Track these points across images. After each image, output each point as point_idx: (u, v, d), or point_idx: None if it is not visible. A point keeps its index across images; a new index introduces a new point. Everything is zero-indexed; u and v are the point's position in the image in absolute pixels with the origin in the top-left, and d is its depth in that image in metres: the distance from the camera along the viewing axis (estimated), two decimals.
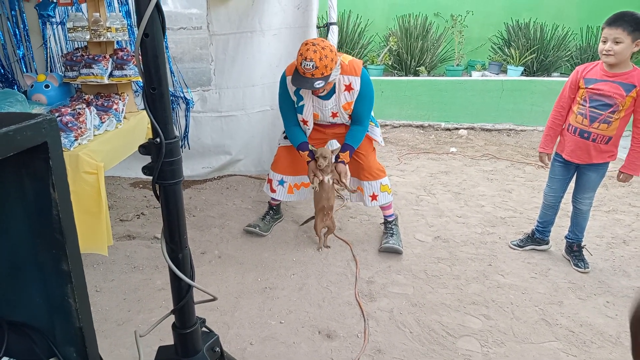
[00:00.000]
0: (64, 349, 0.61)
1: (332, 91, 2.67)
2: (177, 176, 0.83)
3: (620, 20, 2.30)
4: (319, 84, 2.43)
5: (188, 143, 3.95)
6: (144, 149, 0.81)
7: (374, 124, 2.94)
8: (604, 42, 2.38)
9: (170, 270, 0.88)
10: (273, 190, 3.12)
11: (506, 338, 2.14)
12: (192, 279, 0.89)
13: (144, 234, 3.11)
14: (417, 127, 5.95)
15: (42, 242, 0.57)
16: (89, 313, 0.62)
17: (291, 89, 2.73)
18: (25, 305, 0.61)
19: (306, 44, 2.45)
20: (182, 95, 3.78)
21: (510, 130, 5.81)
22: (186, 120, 3.87)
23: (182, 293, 0.90)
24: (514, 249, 2.93)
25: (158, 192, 0.83)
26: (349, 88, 2.64)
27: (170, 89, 3.69)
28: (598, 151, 2.52)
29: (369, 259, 2.82)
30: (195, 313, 0.95)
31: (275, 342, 2.10)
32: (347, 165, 2.81)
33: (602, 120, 2.46)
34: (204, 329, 1.01)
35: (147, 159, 3.10)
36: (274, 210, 3.25)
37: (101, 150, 2.03)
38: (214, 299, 1.01)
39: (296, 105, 2.78)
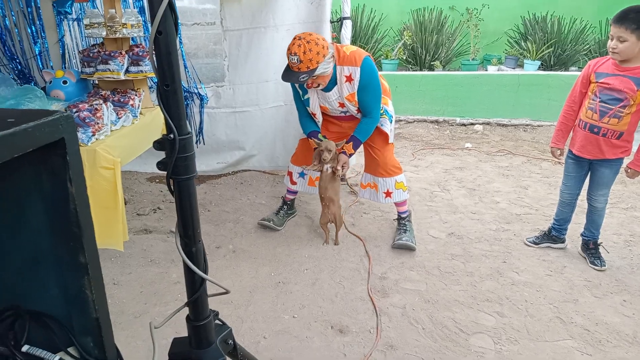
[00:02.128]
0: (81, 339, 0.63)
1: (334, 83, 2.66)
2: (191, 171, 0.84)
3: (624, 18, 2.26)
4: (303, 77, 2.46)
5: (203, 139, 3.98)
6: (158, 144, 0.82)
7: (387, 117, 2.92)
8: (611, 39, 2.34)
9: (184, 264, 0.90)
10: (294, 182, 3.15)
11: (520, 336, 2.12)
12: (206, 272, 0.90)
13: (160, 228, 3.15)
14: (431, 122, 5.91)
15: (60, 236, 0.59)
16: (105, 304, 0.63)
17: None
18: (43, 297, 0.63)
19: (294, 39, 2.48)
20: (196, 91, 3.81)
21: (527, 125, 5.73)
22: (200, 116, 3.90)
23: (195, 286, 0.91)
24: (530, 245, 2.90)
25: (172, 187, 0.85)
26: (349, 79, 2.63)
27: (184, 84, 3.72)
28: (610, 146, 2.48)
29: (382, 255, 2.82)
30: (208, 306, 0.97)
31: (289, 336, 2.12)
32: (350, 156, 2.80)
33: (613, 115, 2.42)
34: (217, 321, 1.03)
35: (163, 154, 3.12)
36: (288, 206, 3.26)
37: (118, 145, 2.06)
38: (227, 292, 1.02)
39: (302, 98, 2.81)
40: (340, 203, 2.90)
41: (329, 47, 2.51)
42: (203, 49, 3.86)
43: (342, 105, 2.77)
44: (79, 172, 0.58)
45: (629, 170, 2.52)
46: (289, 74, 2.52)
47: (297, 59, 2.42)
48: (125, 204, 3.49)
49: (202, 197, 3.65)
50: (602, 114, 2.45)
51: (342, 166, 2.76)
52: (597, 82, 2.46)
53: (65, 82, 2.44)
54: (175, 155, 0.80)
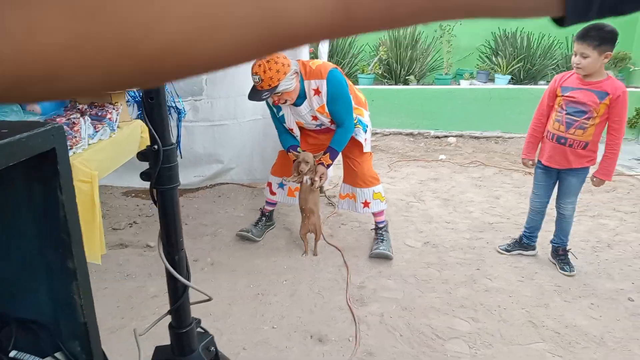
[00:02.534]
0: (69, 344, 0.65)
1: (304, 97, 2.74)
2: (174, 181, 0.87)
3: (586, 35, 2.40)
4: (265, 95, 2.56)
5: (180, 152, 3.98)
6: (142, 155, 0.85)
7: (360, 127, 2.98)
8: (575, 55, 2.48)
9: (167, 272, 0.92)
10: (273, 193, 3.18)
11: (494, 340, 2.19)
12: (188, 280, 0.93)
13: (136, 243, 3.13)
14: (407, 135, 6.04)
15: (49, 242, 0.61)
16: (92, 309, 0.65)
17: (269, 100, 2.82)
18: (32, 303, 0.65)
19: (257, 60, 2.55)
20: (173, 104, 3.82)
21: (498, 137, 5.91)
22: (178, 129, 3.90)
23: (178, 293, 0.94)
24: (502, 253, 2.99)
25: (156, 197, 0.88)
26: (317, 92, 2.72)
27: None
28: (576, 156, 2.60)
29: (360, 265, 2.86)
30: (190, 313, 0.99)
31: (268, 347, 2.13)
32: (327, 167, 2.85)
33: (578, 127, 2.55)
34: (199, 329, 1.05)
35: (139, 168, 3.11)
36: (267, 217, 3.29)
37: (95, 159, 2.06)
38: (209, 299, 1.05)
39: (277, 115, 2.88)
40: (319, 214, 2.95)
41: (290, 64, 2.59)
42: None
43: (315, 118, 2.83)
44: (68, 180, 0.61)
45: (594, 179, 2.64)
46: (253, 92, 2.62)
47: (258, 78, 2.52)
48: (102, 219, 3.44)
49: None
50: (568, 126, 2.57)
51: (320, 177, 2.81)
52: (563, 95, 2.59)
53: None
54: (160, 165, 0.83)
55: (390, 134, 6.09)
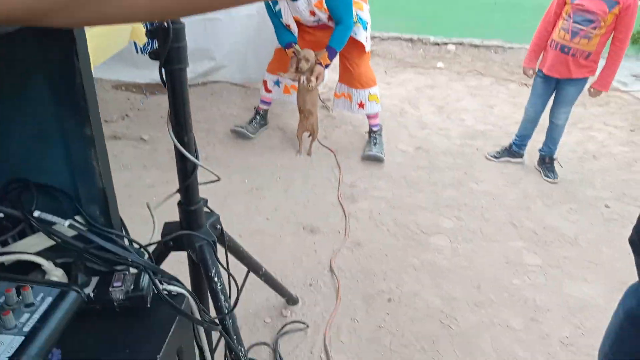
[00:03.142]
0: (88, 208, 0.69)
1: None
2: (183, 62, 0.87)
3: None
4: None
5: None
6: (150, 33, 0.84)
7: (360, 25, 2.87)
8: None
9: (177, 151, 0.95)
10: (268, 91, 3.15)
11: (474, 236, 2.34)
12: (197, 159, 0.96)
13: (129, 135, 3.13)
14: (405, 40, 5.83)
15: (67, 109, 0.62)
16: (109, 177, 0.68)
17: None
18: (50, 169, 0.67)
19: None
20: None
21: (499, 47, 5.74)
22: None
23: (187, 173, 0.98)
24: (491, 159, 3.07)
25: (164, 77, 0.88)
26: None
27: None
28: (577, 66, 2.58)
29: (352, 166, 2.93)
30: (199, 192, 1.04)
31: (263, 235, 2.26)
32: (325, 67, 2.77)
33: (583, 36, 2.50)
34: (205, 209, 1.11)
35: (129, 60, 3.03)
36: (261, 116, 3.28)
37: (89, 45, 1.98)
38: (218, 179, 1.09)
39: (274, 10, 2.74)
40: (317, 114, 2.95)
41: None
42: None
43: (313, 13, 2.71)
44: (84, 47, 0.61)
45: (591, 90, 2.65)
46: None
47: None
48: None
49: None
50: (574, 35, 2.52)
51: (317, 77, 2.76)
52: (572, 3, 2.50)
53: None
54: (169, 44, 0.82)
55: (388, 38, 5.88)
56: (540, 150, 2.97)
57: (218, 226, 1.12)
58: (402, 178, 2.82)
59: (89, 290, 0.70)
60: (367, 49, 2.92)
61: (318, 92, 2.96)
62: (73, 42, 0.59)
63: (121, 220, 0.75)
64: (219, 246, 1.17)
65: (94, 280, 0.72)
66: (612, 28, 2.45)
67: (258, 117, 3.27)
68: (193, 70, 4.03)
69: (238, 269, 1.57)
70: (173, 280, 0.75)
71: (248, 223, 2.35)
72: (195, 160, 0.95)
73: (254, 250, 2.16)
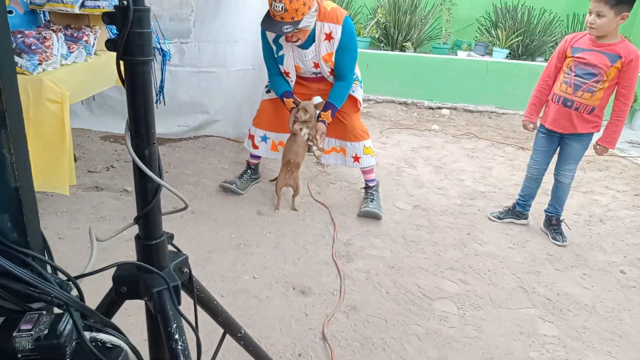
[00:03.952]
0: None
1: (312, 40, 2.53)
2: (147, 53, 0.71)
3: None
4: (287, 28, 2.30)
5: (164, 98, 3.76)
6: (107, 17, 0.68)
7: (358, 83, 2.82)
8: (590, 14, 2.34)
9: (136, 169, 0.77)
10: (255, 147, 2.99)
11: (483, 302, 2.10)
12: (161, 178, 0.77)
13: (112, 186, 2.95)
14: (400, 103, 5.87)
15: None
16: (28, 171, 0.50)
17: (270, 37, 2.61)
18: None
19: None
20: (158, 46, 3.58)
21: (492, 112, 5.79)
22: (162, 73, 3.66)
23: (148, 196, 0.78)
24: (493, 220, 2.90)
25: (123, 72, 0.71)
26: (329, 37, 2.50)
27: None
28: (582, 120, 2.49)
29: (348, 223, 2.74)
30: (162, 224, 0.84)
31: (248, 296, 2.01)
32: (327, 125, 2.69)
33: (586, 89, 2.43)
34: (171, 247, 0.90)
35: (119, 113, 2.90)
36: (252, 170, 3.13)
37: (68, 79, 1.86)
38: (186, 206, 0.90)
39: (276, 55, 2.65)
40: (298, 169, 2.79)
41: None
42: (168, 2, 3.61)
43: (316, 65, 2.65)
44: None
45: (597, 147, 2.54)
46: (270, 22, 2.35)
47: (281, 7, 2.25)
48: (76, 161, 3.25)
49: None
50: (576, 88, 2.45)
51: (320, 136, 2.65)
52: (573, 56, 2.46)
53: (10, 12, 2.19)
54: (128, 28, 0.67)
55: (383, 101, 5.92)
56: (546, 211, 2.81)
57: (185, 270, 0.91)
58: (400, 237, 2.62)
59: None
60: (361, 104, 2.85)
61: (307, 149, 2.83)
62: None
63: (43, 237, 0.55)
64: (186, 297, 0.96)
65: None
66: (615, 82, 2.39)
67: (250, 171, 3.12)
68: (185, 124, 3.94)
69: (209, 327, 1.32)
70: (109, 327, 0.53)
71: (233, 281, 2.11)
72: (158, 180, 0.76)
73: (237, 312, 1.91)
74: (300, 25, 2.33)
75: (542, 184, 2.82)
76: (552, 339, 1.92)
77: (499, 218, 2.90)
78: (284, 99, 2.69)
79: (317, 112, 2.66)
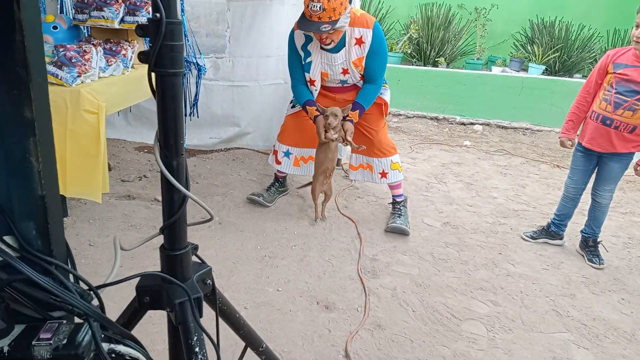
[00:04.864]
0: (21, 224, 0.50)
1: (342, 44, 2.52)
2: (178, 65, 0.72)
3: None
4: (325, 27, 2.29)
5: (197, 111, 3.84)
6: (141, 30, 0.70)
7: (387, 85, 2.80)
8: (637, 27, 2.25)
9: (163, 180, 0.78)
10: (278, 162, 3.01)
11: (514, 325, 2.02)
12: (187, 189, 0.78)
13: (144, 195, 3.01)
14: (431, 119, 5.82)
15: (0, 79, 0.46)
16: (55, 180, 0.51)
17: (299, 43, 2.61)
18: None
19: None
20: (194, 60, 3.67)
21: (527, 129, 5.65)
22: (197, 87, 3.76)
23: (174, 207, 0.79)
24: (527, 240, 2.80)
25: (154, 83, 0.73)
26: (359, 42, 2.50)
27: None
28: (622, 140, 2.38)
29: (374, 238, 2.71)
30: (187, 234, 0.85)
31: (271, 309, 2.00)
32: (354, 123, 2.64)
33: (628, 108, 2.33)
34: (195, 258, 0.91)
35: (154, 124, 2.96)
36: (280, 183, 3.14)
37: (105, 91, 1.92)
38: (211, 218, 0.90)
39: (303, 62, 2.65)
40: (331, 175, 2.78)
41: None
42: (205, 18, 3.72)
43: (345, 71, 2.63)
44: None
45: (638, 168, 2.42)
46: (307, 23, 2.34)
47: (319, 7, 2.25)
48: (110, 170, 3.35)
49: (191, 169, 3.52)
50: (617, 106, 2.35)
51: (350, 135, 2.62)
52: (614, 72, 2.37)
53: (55, 28, 2.30)
54: (160, 41, 0.68)
55: (414, 116, 5.88)
56: (582, 231, 2.70)
57: (209, 281, 0.91)
58: (429, 254, 2.57)
59: (4, 342, 0.49)
60: (387, 106, 2.82)
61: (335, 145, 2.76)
62: None
63: (67, 246, 0.56)
64: (208, 308, 0.96)
65: (18, 328, 0.51)
66: None
67: (277, 183, 3.13)
68: (217, 136, 4.02)
69: (231, 339, 1.32)
70: (128, 339, 0.53)
71: (256, 294, 2.11)
72: (184, 191, 0.77)
73: (260, 325, 1.91)
74: (337, 25, 2.33)
75: (579, 204, 2.72)
76: None
77: (533, 238, 2.81)
78: (307, 107, 2.67)
79: (345, 113, 2.63)
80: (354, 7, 2.57)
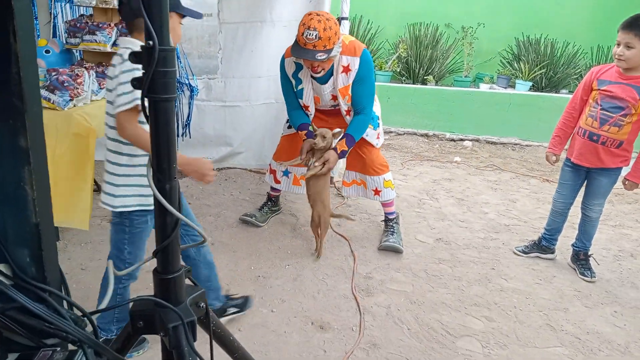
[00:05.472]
0: (15, 252, 0.51)
1: (330, 73, 2.54)
2: (170, 91, 0.73)
3: (634, 24, 2.23)
4: (321, 56, 2.29)
5: (189, 132, 3.86)
6: (134, 57, 0.72)
7: (372, 126, 2.74)
8: (618, 45, 2.31)
9: (156, 204, 0.79)
10: (277, 182, 3.01)
11: (509, 341, 2.02)
12: (180, 212, 0.79)
13: None
14: (421, 135, 5.87)
15: None
16: (49, 208, 0.51)
17: (289, 71, 2.64)
18: None
19: (310, 14, 2.32)
20: (187, 82, 3.71)
21: (516, 144, 5.72)
22: (189, 108, 3.79)
23: (167, 230, 0.80)
24: (519, 255, 2.82)
25: (147, 109, 0.74)
26: (346, 70, 2.50)
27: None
28: (609, 155, 2.42)
29: (368, 256, 2.71)
30: (180, 258, 0.85)
31: (266, 330, 1.99)
32: (338, 154, 2.53)
33: (613, 124, 2.37)
34: (188, 281, 0.91)
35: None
36: (273, 202, 3.15)
37: (97, 114, 1.93)
38: (204, 240, 0.91)
39: (295, 89, 2.67)
40: (328, 206, 2.63)
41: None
42: (197, 40, 3.77)
43: (334, 98, 2.67)
44: (28, 26, 0.47)
45: (626, 183, 2.46)
46: (301, 50, 2.32)
47: (315, 35, 2.23)
48: (99, 191, 3.33)
49: (183, 190, 3.51)
50: (603, 122, 2.40)
51: (324, 163, 2.49)
52: (599, 89, 2.42)
53: (47, 52, 2.32)
54: (153, 67, 0.70)
55: (404, 133, 5.93)
56: (573, 245, 2.72)
57: (202, 304, 0.91)
58: (422, 271, 2.57)
59: None
60: (378, 145, 2.81)
61: (328, 179, 2.65)
62: (11, 17, 0.46)
63: (61, 273, 0.56)
64: (202, 332, 0.95)
65: (12, 357, 0.51)
66: None
67: (270, 203, 3.14)
68: (209, 156, 4.02)
69: None
70: None
71: (250, 315, 2.09)
72: (177, 214, 0.77)
73: (255, 347, 1.89)
74: (332, 54, 2.35)
75: (568, 217, 2.75)
76: None
77: (525, 252, 2.83)
78: (299, 131, 2.68)
79: (334, 140, 2.58)
80: (343, 34, 2.60)
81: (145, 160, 1.54)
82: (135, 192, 1.61)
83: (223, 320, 1.92)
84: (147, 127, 1.48)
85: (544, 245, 2.80)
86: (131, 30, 1.58)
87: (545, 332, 2.10)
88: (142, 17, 0.67)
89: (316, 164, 2.52)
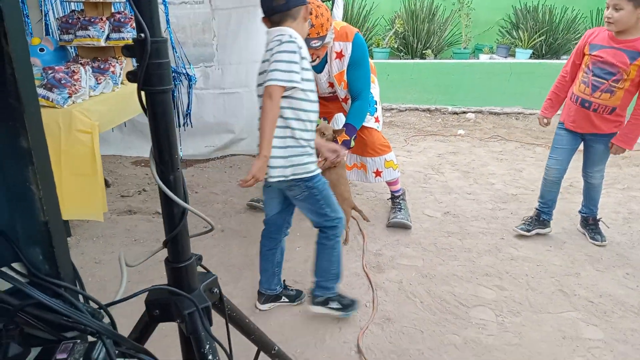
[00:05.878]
0: (28, 250, 0.52)
1: (325, 61, 2.52)
2: (166, 82, 0.73)
3: None
4: (315, 43, 2.27)
5: (190, 121, 3.85)
6: (127, 50, 0.71)
7: (369, 113, 2.68)
8: (607, 8, 2.24)
9: (162, 195, 0.79)
10: None
11: (522, 308, 2.04)
12: (186, 202, 0.79)
13: (145, 209, 3.02)
14: (423, 110, 5.83)
15: None
16: (56, 205, 0.52)
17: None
18: None
19: None
20: (184, 71, 3.69)
21: (519, 113, 5.67)
22: (189, 97, 3.77)
23: (175, 221, 0.80)
24: (523, 234, 2.66)
25: (145, 102, 0.74)
26: (339, 55, 2.48)
27: (172, 65, 3.59)
28: (602, 120, 2.37)
29: (377, 233, 2.72)
30: (190, 246, 0.86)
31: (281, 311, 2.02)
32: (344, 143, 2.46)
33: (605, 90, 2.31)
34: (200, 268, 0.92)
35: (147, 140, 2.96)
36: None
37: (97, 110, 1.93)
38: (212, 228, 0.91)
39: None
40: (348, 197, 2.58)
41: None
42: (191, 29, 3.73)
43: (331, 85, 2.65)
44: (17, 26, 0.47)
45: (612, 147, 2.40)
46: None
47: (308, 23, 2.26)
48: (109, 187, 3.36)
49: (189, 179, 3.53)
50: (594, 88, 2.34)
51: (325, 158, 2.36)
52: (590, 54, 2.36)
53: (42, 50, 2.31)
54: (147, 60, 0.69)
55: (406, 109, 5.89)
56: (580, 211, 2.71)
57: (215, 290, 0.92)
58: (432, 244, 2.58)
59: None
60: (379, 128, 2.79)
61: (341, 171, 2.59)
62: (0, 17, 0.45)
63: (73, 268, 0.57)
64: (218, 316, 0.97)
65: (35, 352, 0.53)
66: (638, 81, 2.27)
67: None
68: (212, 144, 4.03)
69: (242, 345, 1.33)
70: (141, 352, 0.55)
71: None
72: (183, 204, 0.78)
73: (271, 328, 1.92)
74: (326, 41, 2.33)
75: (574, 183, 2.73)
76: (598, 342, 1.85)
77: (528, 231, 2.69)
78: None
79: (338, 135, 2.52)
80: (335, 20, 2.57)
81: (300, 125, 1.70)
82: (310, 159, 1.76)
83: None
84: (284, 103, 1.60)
85: (544, 219, 2.70)
86: (277, 21, 1.67)
87: (558, 297, 2.12)
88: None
89: (320, 159, 2.49)
